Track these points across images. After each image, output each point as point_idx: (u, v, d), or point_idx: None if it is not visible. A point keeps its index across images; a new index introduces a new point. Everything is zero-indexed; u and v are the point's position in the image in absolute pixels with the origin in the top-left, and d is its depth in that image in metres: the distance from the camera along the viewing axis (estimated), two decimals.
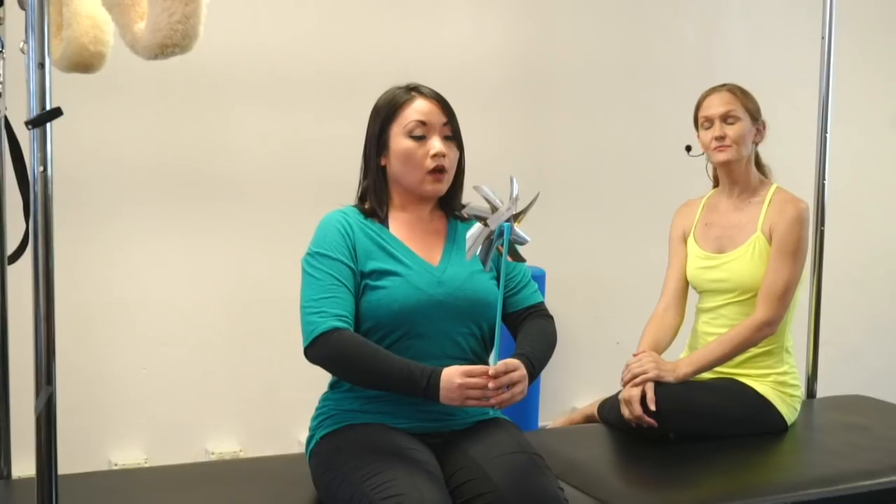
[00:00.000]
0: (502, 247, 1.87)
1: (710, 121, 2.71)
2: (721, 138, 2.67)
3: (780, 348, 2.68)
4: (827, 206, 3.16)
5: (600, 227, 3.91)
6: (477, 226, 1.86)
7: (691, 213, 2.84)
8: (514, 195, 1.85)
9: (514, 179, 1.86)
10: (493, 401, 1.86)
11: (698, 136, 2.77)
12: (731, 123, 2.68)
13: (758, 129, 2.72)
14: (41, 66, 1.57)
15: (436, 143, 2.06)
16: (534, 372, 1.97)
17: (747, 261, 2.66)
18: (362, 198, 2.15)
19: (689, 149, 2.83)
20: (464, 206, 2.12)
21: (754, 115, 2.71)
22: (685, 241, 2.82)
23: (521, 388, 1.89)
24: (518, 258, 1.93)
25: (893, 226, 4.47)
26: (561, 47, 3.80)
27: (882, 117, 4.39)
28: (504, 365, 1.87)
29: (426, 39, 3.55)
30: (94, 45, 1.95)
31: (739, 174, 2.73)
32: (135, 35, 1.76)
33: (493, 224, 1.85)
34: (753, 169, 2.75)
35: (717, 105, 2.70)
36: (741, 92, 2.72)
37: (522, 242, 1.89)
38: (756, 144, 2.74)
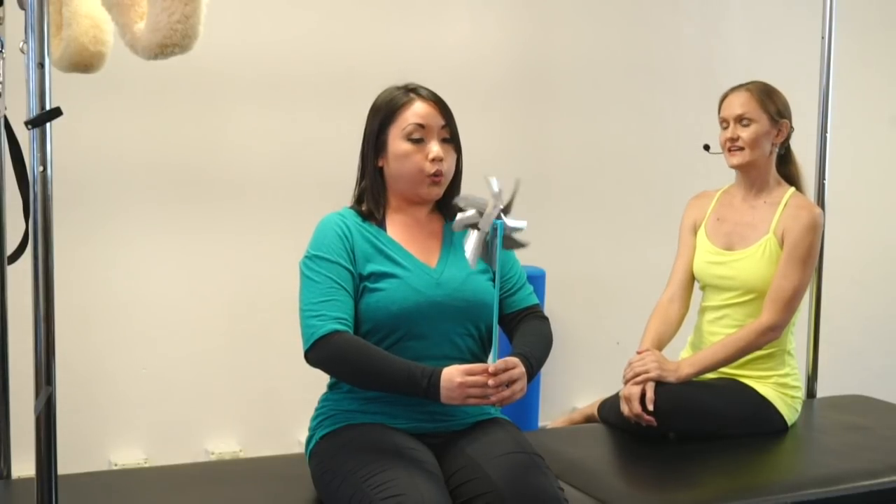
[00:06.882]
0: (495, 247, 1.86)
1: (726, 121, 2.69)
2: (734, 140, 2.66)
3: (782, 351, 2.68)
4: (827, 206, 3.16)
5: (600, 227, 3.91)
6: (471, 234, 1.87)
7: (704, 205, 2.82)
8: (497, 192, 1.85)
9: (491, 179, 1.85)
10: (493, 398, 1.87)
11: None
12: (746, 125, 2.64)
13: (779, 130, 2.67)
14: (41, 66, 1.57)
15: (434, 148, 2.06)
16: (532, 371, 1.97)
17: (756, 261, 2.65)
18: (359, 199, 2.15)
19: (707, 147, 2.80)
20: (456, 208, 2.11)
21: (774, 116, 2.66)
22: (695, 232, 2.80)
23: (521, 385, 1.90)
24: (517, 245, 1.92)
25: (893, 226, 4.47)
26: (561, 47, 3.80)
27: (882, 117, 4.39)
28: (503, 363, 1.88)
29: (426, 39, 3.55)
30: (94, 45, 1.95)
31: (756, 175, 2.70)
32: (135, 35, 1.76)
33: (485, 226, 1.85)
34: (772, 170, 2.71)
35: (733, 106, 2.67)
36: (762, 92, 2.67)
37: (520, 229, 1.89)
38: (775, 146, 2.69)
